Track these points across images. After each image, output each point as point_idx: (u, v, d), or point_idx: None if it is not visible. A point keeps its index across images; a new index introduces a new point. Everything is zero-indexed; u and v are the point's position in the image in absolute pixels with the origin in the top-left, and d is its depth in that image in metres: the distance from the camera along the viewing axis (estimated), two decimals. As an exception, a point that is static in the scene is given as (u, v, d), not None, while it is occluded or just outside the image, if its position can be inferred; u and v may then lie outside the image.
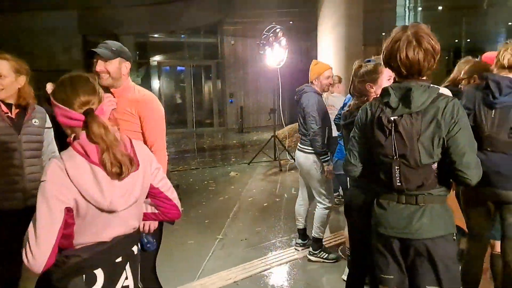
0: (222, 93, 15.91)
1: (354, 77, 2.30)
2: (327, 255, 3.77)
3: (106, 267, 1.52)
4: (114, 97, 1.74)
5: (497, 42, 18.37)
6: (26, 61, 2.45)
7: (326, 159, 3.55)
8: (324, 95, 4.21)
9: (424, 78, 1.80)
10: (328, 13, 7.91)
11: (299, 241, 4.05)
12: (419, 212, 1.78)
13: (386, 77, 2.22)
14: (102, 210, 1.46)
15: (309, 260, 3.82)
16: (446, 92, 1.94)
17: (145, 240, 1.84)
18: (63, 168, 1.42)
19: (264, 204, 5.74)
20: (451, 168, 1.73)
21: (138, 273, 1.67)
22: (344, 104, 3.06)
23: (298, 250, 4.02)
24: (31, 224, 1.41)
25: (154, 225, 2.14)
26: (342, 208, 4.28)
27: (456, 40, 17.86)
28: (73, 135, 1.51)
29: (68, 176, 1.41)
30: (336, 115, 3.25)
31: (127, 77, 2.32)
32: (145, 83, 14.46)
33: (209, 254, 4.08)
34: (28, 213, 1.60)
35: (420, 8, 13.27)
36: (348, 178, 2.61)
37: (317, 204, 3.76)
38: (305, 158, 3.66)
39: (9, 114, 2.35)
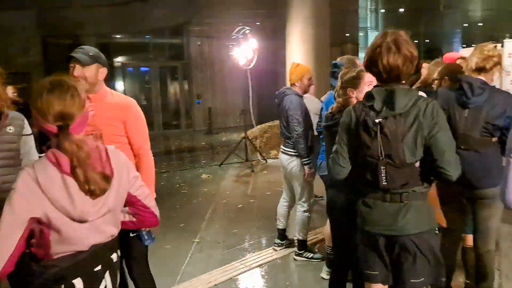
0: (189, 94, 15.76)
1: (340, 81, 2.37)
2: (312, 255, 3.84)
3: (85, 276, 1.52)
4: (91, 102, 1.71)
5: (453, 42, 19.32)
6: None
7: (307, 162, 3.59)
8: None
9: (403, 82, 1.89)
10: (296, 14, 8.02)
11: (278, 241, 4.09)
12: (404, 209, 1.87)
13: (367, 83, 2.29)
14: (73, 219, 1.45)
15: (295, 260, 3.87)
16: (421, 94, 2.03)
17: (145, 237, 1.95)
18: (35, 178, 1.41)
19: (239, 206, 5.75)
20: (433, 166, 1.83)
21: (117, 280, 1.68)
22: (327, 107, 3.12)
23: (276, 250, 4.06)
24: None
25: None
26: (316, 207, 4.38)
27: (416, 41, 18.61)
28: (49, 142, 1.49)
29: (39, 186, 1.40)
30: (317, 122, 3.31)
31: (102, 82, 2.33)
32: (109, 85, 13.93)
33: (187, 258, 4.05)
34: None
35: (383, 10, 13.65)
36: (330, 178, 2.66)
37: (297, 207, 3.81)
38: (289, 161, 3.69)
39: None
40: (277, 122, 13.10)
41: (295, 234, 3.94)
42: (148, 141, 2.42)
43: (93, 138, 2.23)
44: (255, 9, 11.85)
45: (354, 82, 2.30)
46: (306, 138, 3.54)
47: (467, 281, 3.02)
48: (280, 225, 4.05)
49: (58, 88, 1.47)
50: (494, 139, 2.44)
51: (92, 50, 2.27)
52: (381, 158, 1.82)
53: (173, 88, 16.46)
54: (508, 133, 2.37)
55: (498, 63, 2.43)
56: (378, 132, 1.81)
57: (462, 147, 2.39)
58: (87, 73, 2.21)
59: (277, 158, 9.06)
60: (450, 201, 2.66)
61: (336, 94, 2.39)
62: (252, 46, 7.75)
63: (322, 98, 4.28)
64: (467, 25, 16.58)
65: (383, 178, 1.84)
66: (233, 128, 14.80)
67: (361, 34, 17.58)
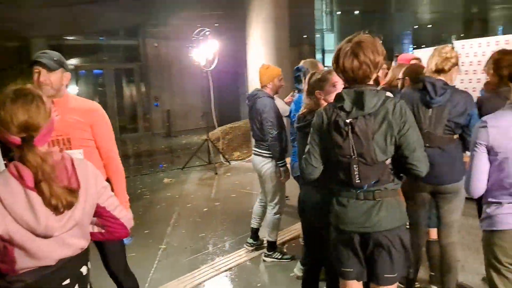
0: (147, 97, 15.43)
1: (307, 84, 2.40)
2: (281, 255, 3.85)
3: None
4: (56, 107, 1.68)
5: (404, 43, 20.19)
6: None
7: (283, 164, 3.60)
8: None
9: (371, 83, 1.94)
10: (256, 16, 8.03)
11: (250, 240, 4.08)
12: (377, 206, 1.92)
13: (332, 84, 2.34)
14: (37, 235, 1.38)
15: (264, 261, 3.87)
16: (389, 94, 2.09)
17: None
18: None
19: (204, 209, 5.68)
20: (404, 163, 1.89)
21: None
22: (296, 108, 3.14)
23: (248, 250, 4.05)
24: None
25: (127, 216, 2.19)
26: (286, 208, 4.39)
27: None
28: (11, 154, 1.42)
29: (1, 202, 1.33)
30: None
31: (65, 86, 2.33)
32: (62, 88, 13.48)
33: (154, 265, 3.96)
34: None
35: (339, 12, 13.99)
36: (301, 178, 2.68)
37: (268, 208, 3.81)
38: (263, 162, 3.68)
39: None
40: (238, 123, 13.11)
41: (265, 235, 3.94)
42: (115, 144, 2.44)
43: (60, 143, 2.23)
44: (212, 10, 11.77)
45: (320, 84, 2.34)
46: (281, 140, 3.55)
47: (432, 273, 3.13)
48: (255, 224, 4.04)
49: (22, 98, 1.40)
50: (456, 136, 2.56)
51: (55, 54, 2.25)
52: (353, 157, 1.87)
53: (129, 90, 16.03)
54: (468, 130, 2.51)
55: (456, 64, 2.55)
56: (350, 132, 1.86)
57: (426, 144, 2.45)
58: (53, 78, 2.19)
59: (240, 159, 9.08)
60: (414, 196, 2.76)
61: (304, 96, 2.42)
62: (213, 47, 7.70)
63: (286, 99, 4.33)
64: (417, 26, 17.36)
65: (356, 176, 1.89)
66: (193, 131, 14.63)
67: (317, 35, 17.97)
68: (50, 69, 2.18)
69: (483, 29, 13.46)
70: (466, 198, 2.70)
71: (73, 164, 1.47)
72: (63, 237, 1.45)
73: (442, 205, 2.67)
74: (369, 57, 1.86)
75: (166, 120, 14.57)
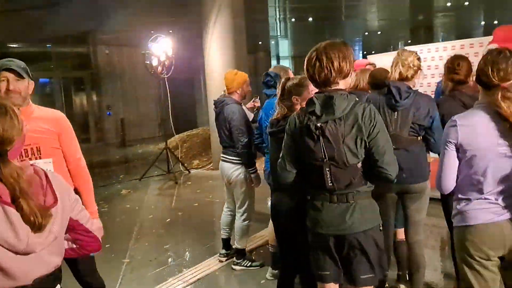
0: (98, 106, 14.90)
1: (281, 89, 2.39)
2: (250, 262, 3.81)
3: None
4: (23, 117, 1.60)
5: (355, 49, 20.91)
6: None
7: (254, 171, 3.59)
8: None
9: (342, 87, 1.97)
10: (213, 22, 7.99)
11: (223, 251, 4.00)
12: (351, 209, 1.96)
13: (310, 90, 2.35)
14: (16, 253, 1.31)
15: (233, 269, 3.81)
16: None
17: None
18: None
19: (167, 220, 5.54)
20: (374, 166, 1.92)
21: None
22: (266, 114, 3.13)
23: (222, 261, 3.97)
24: None
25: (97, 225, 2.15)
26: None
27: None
28: None
29: None
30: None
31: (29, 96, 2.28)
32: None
33: (119, 280, 3.80)
34: None
35: (293, 19, 14.23)
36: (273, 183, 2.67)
37: (237, 215, 3.77)
38: (233, 169, 3.63)
39: None
40: (196, 131, 12.98)
41: (233, 243, 3.89)
42: (81, 153, 2.45)
43: (29, 152, 2.18)
44: (166, 17, 11.59)
45: (298, 89, 2.35)
46: (251, 147, 3.53)
47: (399, 273, 3.22)
48: (225, 234, 3.97)
49: None
50: (420, 138, 2.66)
51: (21, 62, 2.19)
52: (325, 160, 1.90)
53: (80, 99, 15.41)
54: (431, 132, 2.62)
55: (419, 69, 2.65)
56: (320, 136, 1.89)
57: (393, 146, 2.54)
58: (21, 86, 2.15)
59: (200, 168, 8.95)
60: (382, 196, 2.82)
61: (279, 101, 2.41)
62: (168, 54, 7.57)
63: (248, 105, 4.32)
64: (367, 33, 18.03)
65: (328, 179, 1.92)
66: (149, 139, 14.30)
67: (272, 42, 18.19)
68: (20, 77, 2.13)
69: (428, 36, 14.20)
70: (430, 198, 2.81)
71: (47, 177, 1.42)
72: (41, 255, 1.38)
73: (409, 204, 2.75)
74: (332, 62, 1.89)
75: (120, 129, 14.12)
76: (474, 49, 5.69)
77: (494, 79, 1.81)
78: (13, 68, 2.12)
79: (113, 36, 13.58)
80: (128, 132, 14.38)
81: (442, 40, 19.17)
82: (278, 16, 14.22)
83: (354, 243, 1.96)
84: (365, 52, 20.13)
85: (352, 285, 2.06)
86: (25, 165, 1.38)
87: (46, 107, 2.39)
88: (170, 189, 7.38)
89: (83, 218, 1.57)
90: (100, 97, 14.86)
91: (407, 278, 3.15)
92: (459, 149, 1.89)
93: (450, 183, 1.95)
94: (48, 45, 14.15)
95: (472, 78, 2.86)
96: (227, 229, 3.96)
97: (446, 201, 2.92)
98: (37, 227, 1.31)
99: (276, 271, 3.47)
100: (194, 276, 3.77)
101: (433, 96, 3.65)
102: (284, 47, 20.26)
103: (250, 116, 3.89)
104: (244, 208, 3.72)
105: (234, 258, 3.88)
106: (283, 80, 2.42)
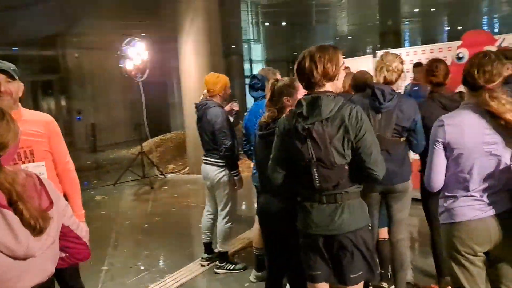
0: (68, 110, 14.49)
1: (271, 91, 2.39)
2: (233, 266, 3.78)
3: None
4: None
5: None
6: None
7: (237, 173, 3.58)
8: None
9: (330, 90, 2.00)
10: (188, 26, 7.94)
11: (205, 255, 3.96)
12: (340, 209, 1.98)
13: (302, 92, 2.37)
14: (16, 258, 1.27)
15: (216, 273, 3.77)
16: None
17: None
18: None
19: (145, 226, 5.43)
20: (362, 167, 1.96)
21: None
22: (253, 117, 3.12)
23: (204, 265, 3.93)
24: None
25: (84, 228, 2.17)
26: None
27: (295, 52, 19.98)
28: None
29: None
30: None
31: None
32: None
33: (98, 289, 3.69)
34: None
35: (267, 24, 14.32)
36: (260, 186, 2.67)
37: (219, 218, 3.74)
38: (217, 171, 3.60)
39: None
40: (169, 135, 12.84)
41: (215, 247, 3.86)
42: (69, 156, 2.44)
43: (22, 156, 2.14)
44: (139, 20, 11.43)
45: (290, 90, 2.36)
46: (234, 150, 3.52)
47: (382, 271, 3.27)
48: (207, 239, 3.93)
49: None
50: (403, 139, 2.73)
51: (11, 64, 2.13)
52: (313, 161, 1.93)
53: (48, 104, 14.94)
54: (414, 134, 2.69)
55: (402, 72, 2.73)
56: (308, 137, 1.92)
57: (378, 147, 2.60)
58: (13, 88, 2.10)
59: (176, 172, 8.85)
60: (366, 196, 2.87)
61: (267, 104, 2.40)
62: (143, 57, 7.46)
63: (226, 108, 4.31)
64: (338, 38, 18.37)
65: (317, 179, 1.94)
66: (121, 144, 14.00)
67: (245, 46, 18.24)
68: (12, 78, 2.08)
69: (396, 40, 14.61)
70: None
71: (40, 181, 1.39)
72: (38, 261, 1.35)
73: (392, 204, 2.81)
74: (317, 64, 1.93)
75: (91, 134, 13.78)
76: (443, 53, 5.88)
77: (480, 81, 1.88)
78: (4, 69, 2.06)
79: (84, 39, 13.26)
80: (99, 137, 14.04)
81: (409, 45, 19.81)
82: (251, 21, 14.30)
83: (343, 243, 1.99)
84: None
85: (342, 285, 2.09)
86: (18, 169, 1.35)
87: (34, 110, 2.36)
88: (146, 194, 7.25)
89: (73, 224, 1.54)
90: (69, 102, 14.46)
91: (389, 277, 3.22)
92: (447, 148, 1.95)
93: (439, 181, 2.01)
94: (14, 48, 13.65)
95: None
96: (208, 233, 3.93)
97: (426, 201, 3.02)
98: (38, 231, 1.28)
99: (260, 273, 3.47)
100: (177, 282, 3.71)
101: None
102: (257, 51, 20.37)
103: (230, 119, 3.88)
104: (226, 210, 3.70)
105: (217, 262, 3.85)
106: (272, 81, 2.41)
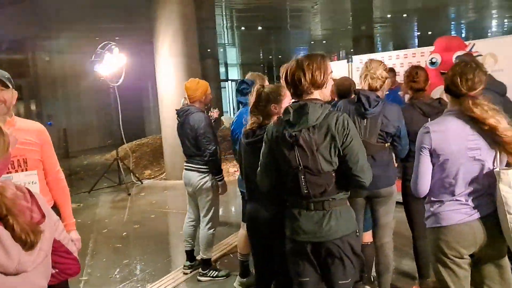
0: (38, 116, 14.04)
1: (256, 97, 2.38)
2: (217, 272, 3.75)
3: None
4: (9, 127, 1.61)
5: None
6: None
7: (221, 178, 3.55)
8: None
9: (318, 97, 2.02)
10: (164, 29, 7.86)
11: (187, 263, 3.90)
12: (327, 216, 2.00)
13: (289, 99, 2.37)
14: (7, 274, 1.21)
15: (199, 281, 3.72)
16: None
17: None
18: None
19: (124, 234, 5.32)
20: (348, 174, 1.98)
21: None
22: (238, 124, 3.10)
23: (187, 273, 3.87)
24: None
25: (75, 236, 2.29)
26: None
27: (270, 56, 20.16)
28: None
29: None
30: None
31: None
32: None
33: (78, 301, 3.59)
34: None
35: (242, 28, 14.33)
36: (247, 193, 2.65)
37: (201, 224, 3.70)
38: (200, 177, 3.57)
39: None
40: (145, 140, 12.64)
41: (197, 254, 3.82)
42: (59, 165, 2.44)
43: (16, 164, 2.12)
44: (112, 23, 11.23)
45: (277, 97, 2.35)
46: (218, 154, 3.50)
47: (365, 274, 3.32)
48: (189, 246, 3.88)
49: None
50: (387, 145, 2.78)
51: (4, 72, 2.09)
52: (300, 168, 1.94)
53: (16, 109, 14.42)
54: (398, 139, 2.75)
55: (386, 79, 2.78)
56: (295, 144, 1.93)
57: (363, 153, 2.64)
58: (6, 96, 2.07)
59: (152, 178, 8.71)
60: (352, 201, 2.90)
61: (253, 110, 2.39)
62: (119, 61, 7.33)
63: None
64: (313, 42, 18.59)
65: (304, 186, 1.95)
66: (94, 150, 13.69)
67: (221, 50, 18.20)
68: (5, 86, 2.04)
69: (369, 45, 14.91)
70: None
71: (31, 194, 1.34)
72: (30, 277, 1.29)
73: (377, 208, 2.86)
74: (305, 72, 1.96)
75: (63, 140, 13.40)
76: (416, 58, 6.05)
77: (463, 89, 1.94)
78: (1, 79, 2.04)
79: (55, 42, 12.91)
80: (72, 143, 13.69)
81: (382, 49, 20.26)
82: (225, 24, 14.29)
83: (331, 249, 2.00)
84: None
85: None
86: (7, 184, 1.30)
87: (26, 119, 2.34)
88: (123, 201, 7.10)
89: (64, 239, 1.49)
90: (39, 107, 14.03)
91: (372, 280, 3.27)
92: (433, 154, 2.00)
93: (425, 186, 2.06)
94: (-20, 51, 13.16)
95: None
96: (190, 240, 3.88)
97: (408, 204, 3.09)
98: (29, 245, 1.23)
99: (245, 279, 3.46)
100: (159, 291, 3.65)
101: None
102: (232, 54, 20.37)
103: None
104: (209, 216, 3.67)
105: (200, 269, 3.81)
106: (257, 87, 2.40)
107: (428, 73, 3.09)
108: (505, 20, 16.75)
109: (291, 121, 1.97)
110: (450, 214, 1.99)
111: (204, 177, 3.57)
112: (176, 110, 3.72)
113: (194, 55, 8.16)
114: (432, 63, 5.05)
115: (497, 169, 1.92)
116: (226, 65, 22.10)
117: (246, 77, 3.46)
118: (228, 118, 13.95)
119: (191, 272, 3.90)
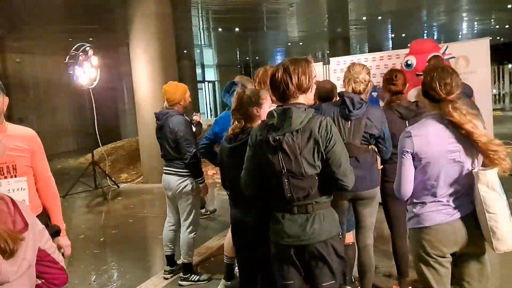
0: (9, 118, 13.52)
1: (238, 100, 2.37)
2: (198, 277, 3.71)
3: None
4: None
5: (276, 58, 21.63)
6: None
7: (202, 181, 3.53)
8: None
9: (302, 102, 2.03)
10: (140, 30, 7.75)
11: (168, 268, 3.84)
12: (310, 220, 2.01)
13: (270, 103, 2.37)
14: None
15: (181, 285, 3.67)
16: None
17: None
18: None
19: (101, 239, 5.22)
20: (331, 177, 2.00)
21: None
22: (220, 127, 3.08)
23: (167, 278, 3.81)
24: None
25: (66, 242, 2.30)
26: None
27: (247, 58, 20.15)
28: None
29: None
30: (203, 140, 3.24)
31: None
32: None
33: (56, 310, 3.48)
34: None
35: (219, 29, 14.27)
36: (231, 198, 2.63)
37: (182, 228, 3.66)
38: (180, 181, 3.53)
39: None
40: (120, 142, 12.44)
41: (179, 258, 3.77)
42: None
43: (5, 171, 2.09)
44: (86, 24, 10.99)
45: (258, 100, 2.35)
46: (198, 157, 3.47)
47: (346, 276, 3.35)
48: (169, 251, 3.82)
49: None
50: (371, 147, 2.80)
51: None
52: (283, 171, 1.95)
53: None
54: (382, 141, 2.78)
55: (369, 82, 2.81)
56: (278, 148, 1.94)
57: (347, 154, 2.66)
58: None
59: (129, 182, 8.57)
60: (336, 204, 2.92)
61: (236, 113, 2.37)
62: (93, 63, 7.18)
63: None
64: (290, 44, 18.70)
65: (288, 190, 1.97)
66: (67, 153, 13.36)
67: (197, 51, 18.08)
68: None
69: (345, 46, 15.12)
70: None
71: (14, 203, 1.31)
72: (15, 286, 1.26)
73: (361, 210, 2.88)
74: (291, 77, 1.97)
75: (35, 143, 13.01)
76: (392, 60, 6.18)
77: (441, 93, 1.99)
78: None
79: (26, 44, 12.54)
80: (44, 146, 13.28)
81: (357, 51, 20.57)
82: (202, 26, 14.21)
83: (314, 252, 2.01)
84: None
85: None
86: None
87: (17, 124, 2.33)
88: (100, 206, 6.96)
89: (50, 248, 1.45)
90: (10, 109, 13.53)
91: (353, 280, 3.30)
92: (415, 157, 2.04)
93: (409, 189, 2.09)
94: None
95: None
96: (170, 245, 3.83)
97: (387, 205, 3.14)
98: (8, 254, 1.20)
99: (230, 282, 3.44)
100: (140, 297, 3.59)
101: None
102: (209, 55, 20.27)
103: None
104: (190, 220, 3.64)
105: (181, 273, 3.76)
106: (238, 90, 2.40)
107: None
108: (475, 23, 17.26)
109: (275, 125, 1.97)
110: (433, 215, 2.04)
111: (184, 180, 3.54)
112: (155, 113, 3.67)
113: (171, 56, 8.07)
114: (407, 65, 5.15)
115: (476, 170, 1.98)
116: (202, 66, 21.98)
117: (235, 80, 3.43)
118: (205, 120, 13.88)
119: (171, 277, 3.85)
